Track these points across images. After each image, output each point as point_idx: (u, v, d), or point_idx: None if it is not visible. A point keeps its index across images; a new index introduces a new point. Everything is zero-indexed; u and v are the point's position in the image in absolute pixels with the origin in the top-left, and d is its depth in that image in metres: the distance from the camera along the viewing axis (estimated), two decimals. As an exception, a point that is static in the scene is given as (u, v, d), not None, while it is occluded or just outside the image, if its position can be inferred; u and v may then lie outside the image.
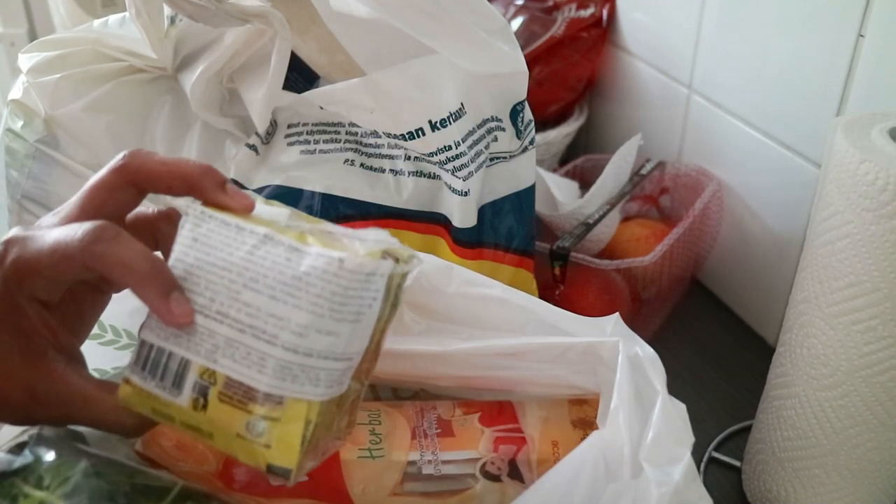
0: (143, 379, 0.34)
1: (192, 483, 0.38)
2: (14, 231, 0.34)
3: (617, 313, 0.42)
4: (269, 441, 0.32)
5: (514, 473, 0.42)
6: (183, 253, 0.34)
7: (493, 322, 0.43)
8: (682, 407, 0.37)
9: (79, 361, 0.37)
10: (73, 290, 0.36)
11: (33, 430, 0.37)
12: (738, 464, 0.58)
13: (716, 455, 0.59)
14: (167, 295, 0.32)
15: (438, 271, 0.42)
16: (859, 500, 0.49)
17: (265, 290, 0.32)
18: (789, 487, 0.51)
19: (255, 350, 0.32)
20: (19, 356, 0.34)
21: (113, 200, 0.35)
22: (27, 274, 0.33)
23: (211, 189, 0.34)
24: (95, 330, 0.47)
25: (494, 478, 0.41)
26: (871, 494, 0.49)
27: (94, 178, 0.35)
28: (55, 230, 0.33)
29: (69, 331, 0.36)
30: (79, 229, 0.32)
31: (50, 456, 0.35)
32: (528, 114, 0.56)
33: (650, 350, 0.39)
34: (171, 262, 0.34)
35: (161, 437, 0.42)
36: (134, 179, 0.35)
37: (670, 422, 0.35)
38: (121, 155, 0.35)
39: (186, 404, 0.33)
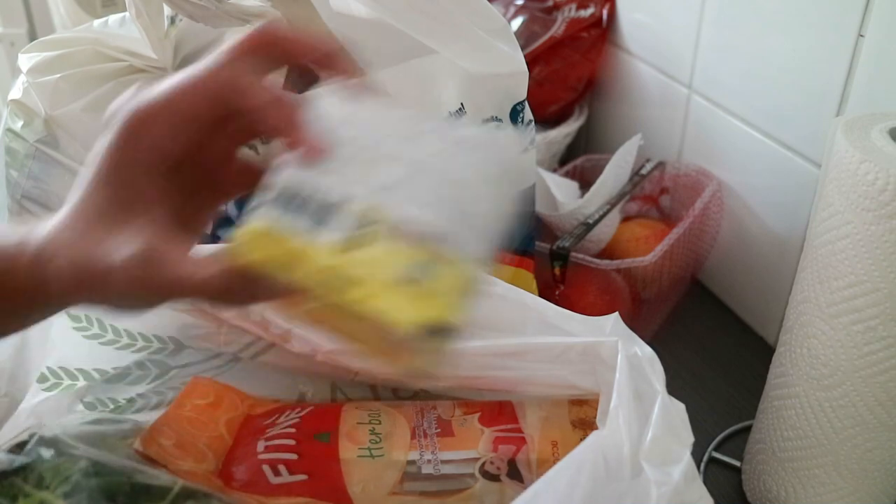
0: (278, 217, 0.29)
1: (191, 482, 0.38)
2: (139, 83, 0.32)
3: (616, 313, 0.42)
4: (435, 289, 0.27)
5: (514, 473, 0.41)
6: (333, 108, 0.31)
7: (493, 320, 0.43)
8: (681, 407, 0.37)
9: (183, 232, 0.33)
10: (191, 169, 0.33)
11: (34, 430, 0.37)
12: (738, 464, 0.58)
13: (716, 455, 0.59)
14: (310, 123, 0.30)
15: None
16: (859, 500, 0.49)
17: (432, 143, 0.30)
18: (789, 487, 0.51)
19: (428, 195, 0.29)
20: (120, 212, 0.31)
21: (242, 65, 0.31)
22: (149, 116, 0.30)
23: (351, 66, 0.32)
24: (95, 329, 0.47)
25: (493, 478, 0.41)
26: (871, 494, 0.49)
27: (228, 41, 0.32)
28: (180, 72, 0.31)
29: (181, 198, 0.33)
30: (206, 61, 0.30)
31: (50, 455, 0.35)
32: (528, 114, 0.56)
33: (649, 350, 0.39)
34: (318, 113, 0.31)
35: (161, 436, 0.42)
36: (274, 41, 0.32)
37: (670, 422, 0.35)
38: (257, 24, 0.33)
39: (330, 243, 0.28)
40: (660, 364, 0.39)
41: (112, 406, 0.46)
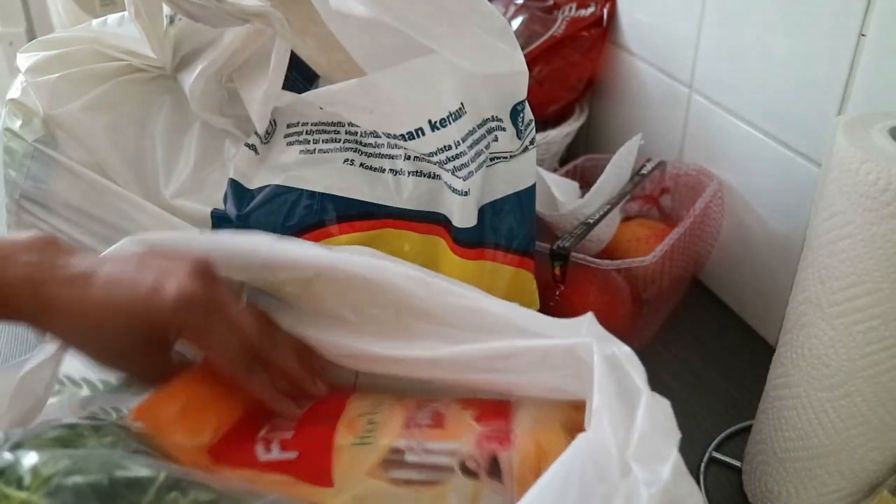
0: None
1: (175, 468, 0.37)
2: None
3: (590, 314, 0.41)
4: None
5: (494, 472, 0.41)
6: None
7: (475, 325, 0.43)
8: (666, 403, 0.36)
9: None
10: None
11: (10, 431, 0.37)
12: (738, 464, 0.58)
13: (716, 455, 0.59)
14: None
15: (415, 283, 0.44)
16: (861, 501, 0.49)
17: None
18: (790, 488, 0.51)
19: None
20: None
21: None
22: None
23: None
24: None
25: (472, 474, 0.41)
26: (872, 495, 0.49)
27: None
28: None
29: None
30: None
31: (30, 457, 0.35)
32: (528, 114, 0.56)
33: (627, 349, 0.39)
34: None
35: (166, 403, 0.42)
36: None
37: (656, 419, 0.35)
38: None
39: None
40: (639, 362, 0.38)
41: (115, 416, 0.46)
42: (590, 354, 0.38)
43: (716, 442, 0.60)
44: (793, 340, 0.49)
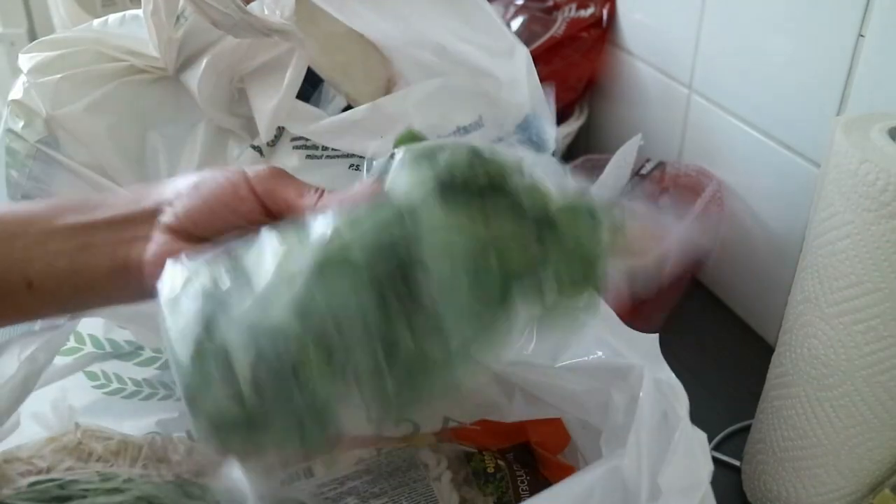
0: None
1: None
2: None
3: (656, 335, 0.41)
4: None
5: None
6: None
7: None
8: (702, 436, 0.36)
9: None
10: None
11: None
12: (737, 463, 0.58)
13: (716, 455, 0.59)
14: None
15: None
16: (860, 500, 0.49)
17: None
18: (790, 487, 0.51)
19: None
20: None
21: None
22: None
23: None
24: (72, 343, 0.47)
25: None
26: (872, 493, 0.49)
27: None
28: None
29: None
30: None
31: None
32: (542, 124, 0.56)
33: (673, 377, 0.39)
34: None
35: None
36: None
37: (691, 449, 0.35)
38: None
39: None
40: (684, 391, 0.38)
41: (116, 382, 0.45)
42: (638, 378, 0.38)
43: (715, 441, 0.60)
44: (792, 340, 0.49)
